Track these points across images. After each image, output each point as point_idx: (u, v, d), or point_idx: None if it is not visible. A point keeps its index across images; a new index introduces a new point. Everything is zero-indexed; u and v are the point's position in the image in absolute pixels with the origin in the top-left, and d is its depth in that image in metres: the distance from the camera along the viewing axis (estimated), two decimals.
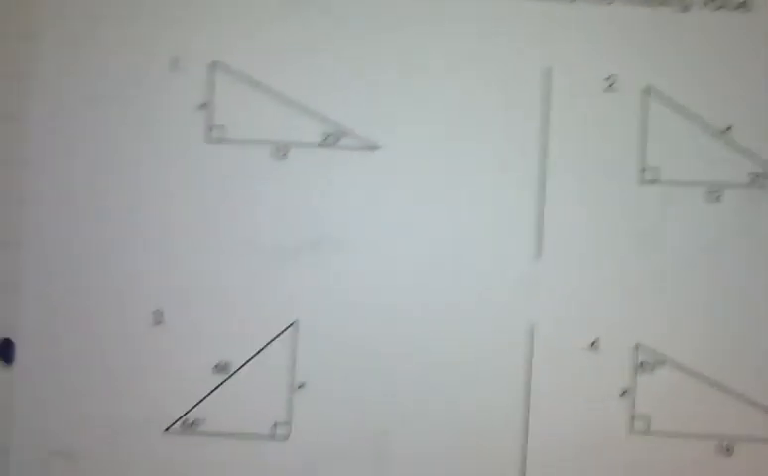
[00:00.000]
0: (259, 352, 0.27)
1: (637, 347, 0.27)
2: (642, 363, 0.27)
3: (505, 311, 0.27)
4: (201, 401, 0.27)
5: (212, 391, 0.27)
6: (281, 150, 0.27)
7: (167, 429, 0.27)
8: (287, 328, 0.27)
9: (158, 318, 0.27)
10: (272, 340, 0.27)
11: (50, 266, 0.27)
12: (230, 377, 0.27)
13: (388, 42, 0.27)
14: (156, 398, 0.27)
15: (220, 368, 0.27)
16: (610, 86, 0.27)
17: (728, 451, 0.27)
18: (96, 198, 0.27)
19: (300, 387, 0.27)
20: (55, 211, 0.27)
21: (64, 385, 0.27)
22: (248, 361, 0.27)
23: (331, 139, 0.27)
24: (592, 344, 0.27)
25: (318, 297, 0.27)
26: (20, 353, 0.27)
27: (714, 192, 0.27)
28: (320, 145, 0.27)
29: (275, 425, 0.27)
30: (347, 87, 0.27)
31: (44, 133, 0.27)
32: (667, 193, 0.27)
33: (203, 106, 0.27)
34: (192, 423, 0.27)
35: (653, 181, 0.27)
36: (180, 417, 0.27)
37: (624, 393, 0.27)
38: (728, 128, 0.27)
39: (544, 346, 0.27)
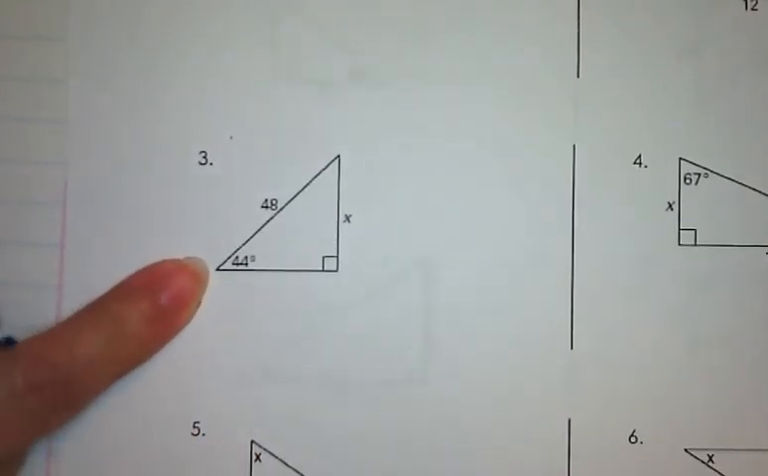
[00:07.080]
0: (304, 188, 0.28)
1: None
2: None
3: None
4: (251, 238, 0.27)
5: (261, 227, 0.27)
6: None
7: (219, 267, 0.27)
8: (330, 163, 0.28)
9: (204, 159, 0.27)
10: (316, 175, 0.28)
11: None
12: (278, 213, 0.28)
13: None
14: (207, 236, 0.27)
15: (268, 205, 0.28)
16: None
17: None
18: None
19: (346, 220, 0.28)
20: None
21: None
22: (295, 197, 0.27)
23: None
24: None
25: (359, 132, 0.28)
26: None
27: None
28: None
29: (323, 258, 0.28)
30: None
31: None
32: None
33: None
34: (244, 260, 0.27)
35: None
36: (231, 255, 0.27)
37: None
38: None
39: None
